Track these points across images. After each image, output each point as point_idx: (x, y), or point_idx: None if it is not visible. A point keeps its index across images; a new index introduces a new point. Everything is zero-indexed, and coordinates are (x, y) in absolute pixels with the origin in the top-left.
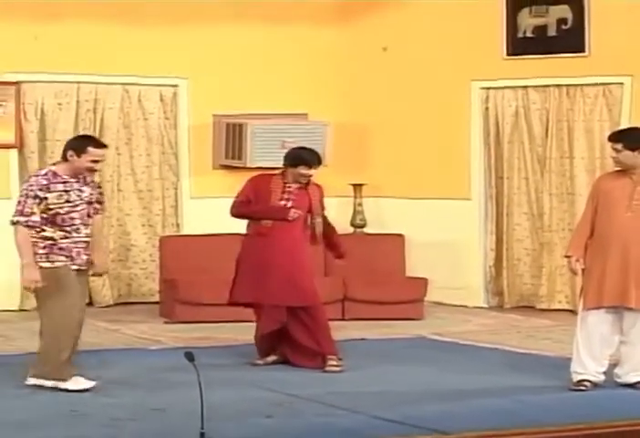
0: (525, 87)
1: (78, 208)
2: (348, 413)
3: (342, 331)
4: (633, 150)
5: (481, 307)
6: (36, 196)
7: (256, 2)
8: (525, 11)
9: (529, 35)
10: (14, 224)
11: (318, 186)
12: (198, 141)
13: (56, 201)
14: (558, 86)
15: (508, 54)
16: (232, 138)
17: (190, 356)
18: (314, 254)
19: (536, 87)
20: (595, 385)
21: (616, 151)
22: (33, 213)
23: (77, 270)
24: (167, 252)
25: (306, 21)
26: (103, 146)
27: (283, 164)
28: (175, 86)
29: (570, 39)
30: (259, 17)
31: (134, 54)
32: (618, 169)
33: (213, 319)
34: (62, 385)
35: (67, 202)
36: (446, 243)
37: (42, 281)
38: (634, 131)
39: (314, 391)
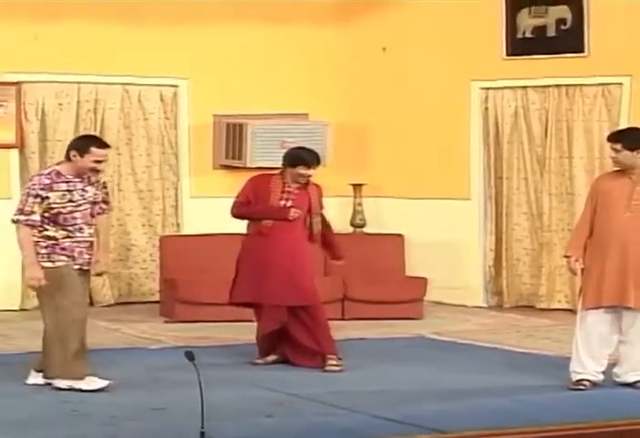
0: (524, 87)
1: (81, 208)
2: (348, 413)
3: (342, 331)
4: (632, 150)
5: (481, 307)
6: (37, 195)
7: (256, 2)
8: (524, 11)
9: (528, 35)
10: (14, 222)
11: (317, 186)
12: (198, 141)
13: (58, 200)
14: (557, 86)
15: (507, 54)
16: (232, 138)
17: (190, 355)
18: (315, 253)
19: (535, 87)
20: (594, 384)
21: (615, 151)
22: (33, 212)
23: (79, 270)
24: (167, 252)
25: (306, 21)
26: (106, 146)
27: (283, 164)
28: (175, 86)
29: (569, 39)
30: (259, 17)
31: (134, 54)
32: (617, 169)
33: (213, 319)
34: (77, 385)
35: (70, 201)
36: (445, 243)
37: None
38: (634, 131)
39: (314, 391)
